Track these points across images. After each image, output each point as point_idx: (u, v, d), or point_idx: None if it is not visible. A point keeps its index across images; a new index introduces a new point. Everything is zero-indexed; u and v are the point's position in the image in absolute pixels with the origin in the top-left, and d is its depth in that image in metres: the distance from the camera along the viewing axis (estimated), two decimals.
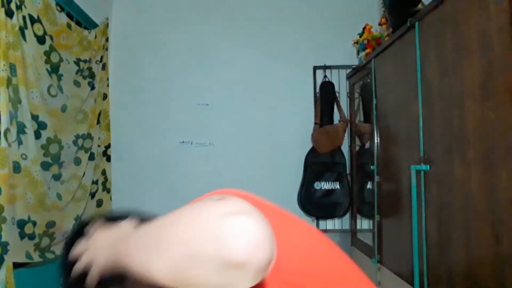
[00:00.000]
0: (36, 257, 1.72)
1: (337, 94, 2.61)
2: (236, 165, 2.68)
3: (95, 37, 2.37)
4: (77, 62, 2.18)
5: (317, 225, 2.62)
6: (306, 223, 0.67)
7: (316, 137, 2.58)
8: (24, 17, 1.68)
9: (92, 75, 2.34)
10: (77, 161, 2.20)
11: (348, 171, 2.59)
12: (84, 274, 0.64)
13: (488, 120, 1.09)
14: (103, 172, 2.52)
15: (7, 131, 1.54)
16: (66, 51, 2.06)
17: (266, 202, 0.67)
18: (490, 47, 1.08)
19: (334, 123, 2.59)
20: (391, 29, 1.85)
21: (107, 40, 2.56)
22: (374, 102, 2.01)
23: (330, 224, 2.65)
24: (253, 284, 0.41)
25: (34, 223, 1.72)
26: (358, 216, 2.51)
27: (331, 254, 0.63)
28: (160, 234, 0.45)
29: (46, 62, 1.89)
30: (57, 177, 1.96)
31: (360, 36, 2.33)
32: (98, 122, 2.43)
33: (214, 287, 0.40)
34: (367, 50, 2.23)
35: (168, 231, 0.44)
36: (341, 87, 2.64)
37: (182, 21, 2.74)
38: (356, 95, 2.55)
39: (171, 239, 0.43)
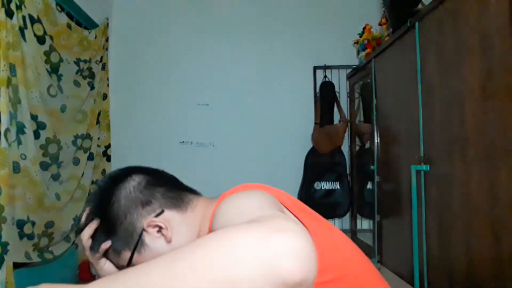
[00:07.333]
0: (34, 257, 1.71)
1: (337, 94, 2.61)
2: (236, 165, 2.67)
3: (95, 37, 2.37)
4: (77, 62, 2.18)
5: None
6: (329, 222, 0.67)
7: (316, 137, 2.58)
8: (24, 17, 1.68)
9: (92, 75, 2.34)
10: (76, 161, 2.19)
11: (348, 171, 2.59)
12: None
13: (488, 120, 1.08)
14: (103, 172, 2.52)
15: (7, 131, 1.53)
16: (66, 51, 2.06)
17: (294, 198, 0.67)
18: (490, 47, 1.08)
19: (334, 123, 2.59)
20: (391, 29, 1.85)
21: (107, 40, 2.56)
22: (374, 102, 2.01)
23: None
24: None
25: (33, 223, 1.71)
26: (358, 216, 2.51)
27: (356, 253, 0.65)
28: (186, 257, 0.39)
29: (46, 62, 1.89)
30: (55, 177, 1.96)
31: (360, 36, 2.33)
32: (98, 122, 2.43)
33: None
34: (367, 50, 2.23)
35: (196, 254, 0.38)
36: (341, 87, 2.64)
37: (182, 21, 2.74)
38: (356, 95, 2.55)
39: (205, 261, 0.37)
